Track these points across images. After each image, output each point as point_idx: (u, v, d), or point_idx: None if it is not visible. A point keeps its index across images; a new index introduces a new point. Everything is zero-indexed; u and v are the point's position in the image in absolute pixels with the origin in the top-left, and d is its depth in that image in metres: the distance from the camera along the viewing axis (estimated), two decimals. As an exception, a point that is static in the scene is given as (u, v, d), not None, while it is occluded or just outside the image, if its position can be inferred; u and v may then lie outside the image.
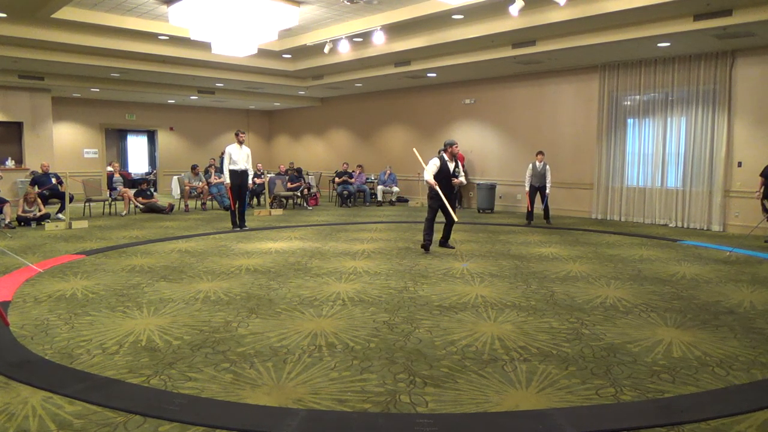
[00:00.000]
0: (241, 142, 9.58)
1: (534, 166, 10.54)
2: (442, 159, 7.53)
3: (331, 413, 2.92)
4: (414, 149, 8.54)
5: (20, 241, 8.40)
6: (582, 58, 10.66)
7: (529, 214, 10.73)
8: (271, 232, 9.65)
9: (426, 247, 7.64)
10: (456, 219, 7.70)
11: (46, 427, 2.73)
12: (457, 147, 7.67)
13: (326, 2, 8.99)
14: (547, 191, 10.58)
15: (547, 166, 10.59)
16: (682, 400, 3.10)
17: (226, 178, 9.58)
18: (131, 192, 12.75)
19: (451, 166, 7.57)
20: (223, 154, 11.69)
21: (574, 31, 9.28)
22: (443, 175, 7.50)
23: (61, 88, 14.18)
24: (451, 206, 7.51)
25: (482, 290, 5.52)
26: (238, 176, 9.53)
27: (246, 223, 9.95)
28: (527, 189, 10.65)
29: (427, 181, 7.58)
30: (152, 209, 12.50)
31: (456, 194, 8.23)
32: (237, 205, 9.72)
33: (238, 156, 9.53)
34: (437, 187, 7.43)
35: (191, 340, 4.01)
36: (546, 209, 10.80)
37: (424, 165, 7.82)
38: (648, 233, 9.57)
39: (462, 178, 7.75)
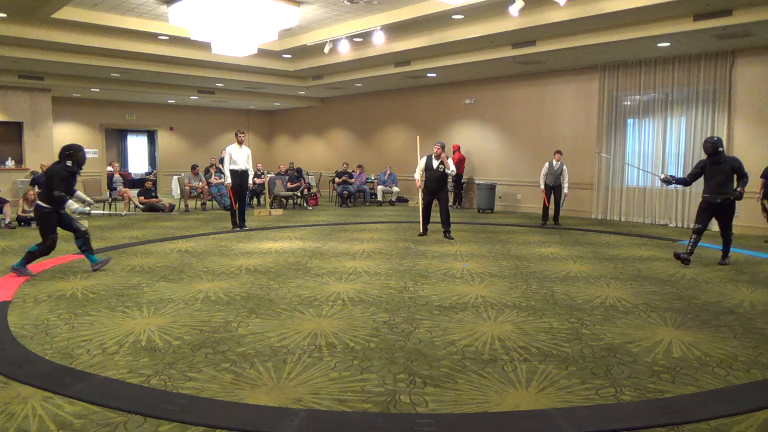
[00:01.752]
0: (240, 142, 9.60)
1: (551, 164, 10.29)
2: (428, 157, 8.70)
3: (331, 413, 2.92)
4: (417, 137, 9.88)
5: (20, 241, 8.39)
6: (582, 58, 10.66)
7: (545, 214, 10.55)
8: (271, 232, 9.65)
9: (423, 234, 8.94)
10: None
11: (46, 427, 2.73)
12: (438, 148, 8.61)
13: (326, 2, 8.99)
14: (565, 191, 10.31)
15: (564, 166, 10.29)
16: (682, 400, 3.10)
17: (227, 178, 9.60)
18: (132, 192, 12.75)
19: (435, 163, 8.59)
20: (223, 153, 11.69)
21: (574, 31, 9.28)
22: (429, 172, 8.61)
23: (61, 88, 14.18)
24: (440, 198, 8.67)
25: (482, 290, 5.52)
26: (239, 176, 9.55)
27: (246, 223, 9.96)
28: (542, 187, 10.38)
29: (416, 180, 8.93)
30: (152, 209, 12.51)
31: (445, 188, 8.82)
32: (237, 205, 9.74)
33: (239, 156, 9.55)
34: (419, 186, 8.87)
35: (191, 340, 4.01)
36: (557, 210, 10.56)
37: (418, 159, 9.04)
38: (648, 233, 9.57)
39: (448, 170, 8.62)
